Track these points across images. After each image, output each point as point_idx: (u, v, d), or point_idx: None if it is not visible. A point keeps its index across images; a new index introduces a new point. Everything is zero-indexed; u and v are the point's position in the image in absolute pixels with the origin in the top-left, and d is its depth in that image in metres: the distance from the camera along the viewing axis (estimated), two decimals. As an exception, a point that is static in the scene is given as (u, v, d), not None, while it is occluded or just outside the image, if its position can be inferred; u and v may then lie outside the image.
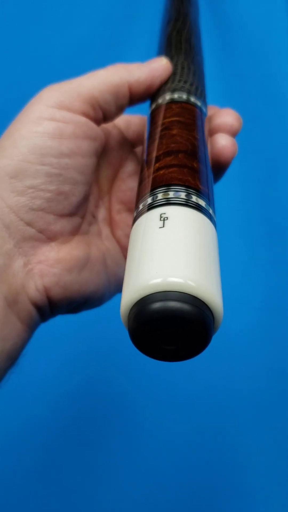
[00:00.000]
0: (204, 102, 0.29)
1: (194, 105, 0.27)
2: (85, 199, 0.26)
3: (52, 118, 0.24)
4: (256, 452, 0.43)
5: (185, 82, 0.28)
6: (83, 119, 0.25)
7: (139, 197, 0.22)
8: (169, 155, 0.23)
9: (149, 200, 0.21)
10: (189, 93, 0.27)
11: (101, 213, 0.29)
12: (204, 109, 0.28)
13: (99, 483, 0.42)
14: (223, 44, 0.59)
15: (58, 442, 0.43)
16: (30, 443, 0.43)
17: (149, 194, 0.21)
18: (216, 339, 0.47)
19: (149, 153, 0.24)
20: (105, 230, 0.28)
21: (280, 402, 0.44)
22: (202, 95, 0.28)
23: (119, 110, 0.27)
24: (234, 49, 0.59)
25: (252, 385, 0.45)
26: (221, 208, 0.49)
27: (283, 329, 0.47)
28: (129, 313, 0.18)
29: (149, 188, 0.22)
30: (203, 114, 0.27)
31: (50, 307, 0.24)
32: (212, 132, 0.28)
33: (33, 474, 0.42)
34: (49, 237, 0.24)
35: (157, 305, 0.17)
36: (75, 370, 0.45)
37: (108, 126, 0.29)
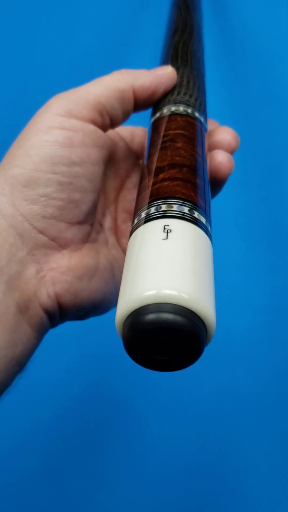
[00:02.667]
0: (206, 118, 0.29)
1: (198, 120, 0.27)
2: (94, 207, 0.26)
3: (62, 127, 0.24)
4: (260, 457, 0.43)
5: (190, 96, 0.29)
6: (92, 127, 0.25)
7: (140, 205, 0.23)
8: (173, 167, 0.23)
9: (152, 210, 0.21)
10: (193, 107, 0.28)
11: (107, 222, 0.29)
12: (205, 125, 0.29)
13: (102, 487, 0.42)
14: (227, 49, 0.60)
15: (63, 446, 0.43)
16: (36, 446, 0.43)
17: (151, 203, 0.22)
18: (219, 343, 0.47)
19: (152, 162, 0.25)
20: (111, 239, 0.29)
21: (284, 406, 0.44)
22: (204, 111, 0.29)
23: (125, 115, 0.28)
24: (238, 54, 0.60)
25: (255, 389, 0.45)
26: (225, 212, 0.50)
27: (286, 333, 0.47)
28: (124, 323, 0.18)
29: (152, 198, 0.22)
30: (204, 129, 0.28)
31: (60, 314, 0.25)
32: (210, 148, 0.29)
33: (37, 476, 0.42)
34: (61, 245, 0.24)
35: (151, 316, 0.17)
36: (79, 375, 0.45)
37: (114, 137, 0.30)
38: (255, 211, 0.53)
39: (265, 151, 0.55)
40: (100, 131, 0.26)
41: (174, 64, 0.31)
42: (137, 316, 0.18)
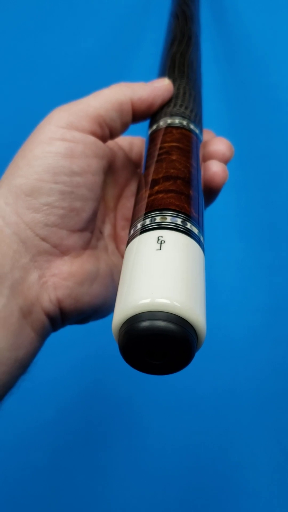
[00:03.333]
0: (201, 129, 0.30)
1: (193, 132, 0.28)
2: (94, 215, 0.27)
3: (63, 139, 0.25)
4: (260, 453, 0.44)
5: (186, 108, 0.29)
6: (92, 138, 0.26)
7: (137, 216, 0.23)
8: (168, 180, 0.24)
9: (147, 221, 0.22)
10: (189, 119, 0.29)
11: (107, 229, 0.30)
12: (200, 137, 0.29)
13: (105, 482, 0.43)
14: (226, 54, 0.61)
15: (66, 443, 0.44)
16: (40, 442, 0.44)
17: (147, 215, 0.22)
18: (219, 342, 0.48)
19: (148, 174, 0.25)
20: (111, 246, 0.30)
21: (283, 404, 0.45)
22: (200, 122, 0.30)
23: (124, 126, 0.28)
24: (237, 60, 0.61)
25: (255, 387, 0.46)
26: (224, 214, 0.51)
27: (285, 332, 0.48)
28: (120, 330, 0.19)
29: (147, 209, 0.23)
30: (199, 140, 0.29)
31: (61, 318, 0.26)
32: (205, 158, 0.29)
33: (42, 471, 0.43)
34: (63, 252, 0.25)
35: (145, 323, 0.18)
36: (82, 374, 0.46)
37: (114, 147, 0.30)
38: (254, 212, 0.54)
39: (264, 154, 0.56)
40: (100, 142, 0.27)
41: (171, 75, 0.32)
42: (132, 323, 0.19)
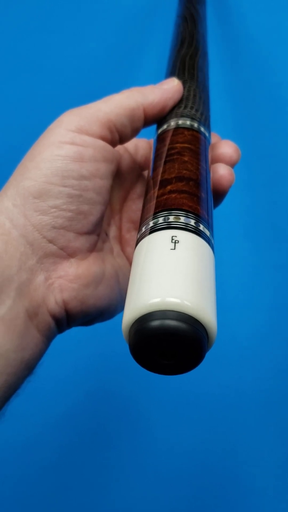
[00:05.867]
0: (210, 132, 0.30)
1: (203, 134, 0.28)
2: (101, 218, 0.27)
3: (73, 142, 0.25)
4: (266, 453, 0.44)
5: (197, 110, 0.30)
6: (102, 143, 0.26)
7: (147, 214, 0.23)
8: (181, 180, 0.24)
9: (160, 220, 0.22)
10: (199, 121, 0.29)
11: (113, 232, 0.30)
12: (209, 139, 0.30)
13: (111, 482, 0.43)
14: (232, 57, 0.61)
15: (72, 444, 0.45)
16: (45, 444, 0.44)
17: (159, 214, 0.22)
18: (225, 342, 0.48)
19: (159, 173, 0.25)
20: (116, 248, 0.30)
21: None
22: (209, 126, 0.30)
23: (135, 132, 0.29)
24: (242, 62, 0.61)
25: (260, 387, 0.46)
26: (231, 213, 0.51)
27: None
28: (130, 329, 0.19)
29: (159, 209, 0.23)
30: (208, 143, 0.29)
31: (67, 320, 0.26)
32: (212, 161, 0.29)
33: (49, 469, 0.43)
34: (69, 254, 0.25)
35: (155, 322, 0.18)
36: (87, 375, 0.46)
37: (120, 150, 0.31)
38: (260, 212, 0.54)
39: (269, 155, 0.56)
40: (109, 147, 0.27)
41: (181, 77, 0.32)
42: (142, 322, 0.19)
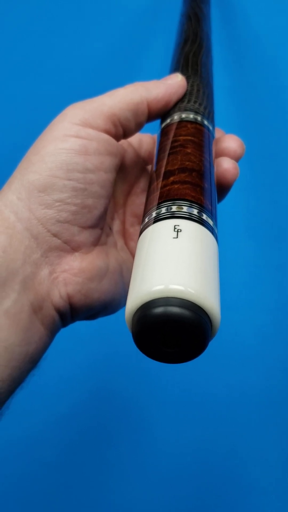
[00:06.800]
0: (214, 126, 0.30)
1: (206, 127, 0.28)
2: (105, 212, 0.27)
3: (77, 136, 0.25)
4: (270, 453, 0.44)
5: (200, 104, 0.30)
6: (106, 136, 0.26)
7: (151, 205, 0.23)
8: (184, 171, 0.24)
9: (163, 210, 0.22)
10: (203, 115, 0.29)
11: (116, 226, 0.30)
12: (213, 133, 0.30)
13: (112, 480, 0.43)
14: (235, 55, 0.61)
15: (73, 441, 0.45)
16: (47, 440, 0.44)
17: (163, 204, 0.23)
18: (228, 340, 0.48)
19: (162, 165, 0.25)
20: (120, 242, 0.30)
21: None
22: (212, 120, 0.30)
23: (138, 126, 0.29)
24: (246, 60, 0.61)
25: (264, 385, 0.46)
26: (234, 212, 0.51)
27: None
28: (133, 317, 0.19)
29: (162, 199, 0.23)
30: (212, 136, 0.29)
31: (71, 313, 0.26)
32: (217, 155, 0.29)
33: (49, 470, 0.43)
34: (73, 248, 0.25)
35: (159, 309, 0.18)
36: (90, 373, 0.46)
37: (124, 144, 0.31)
38: (263, 211, 0.54)
39: (272, 153, 0.57)
40: (113, 140, 0.27)
41: (184, 72, 0.32)
42: (146, 309, 0.19)
